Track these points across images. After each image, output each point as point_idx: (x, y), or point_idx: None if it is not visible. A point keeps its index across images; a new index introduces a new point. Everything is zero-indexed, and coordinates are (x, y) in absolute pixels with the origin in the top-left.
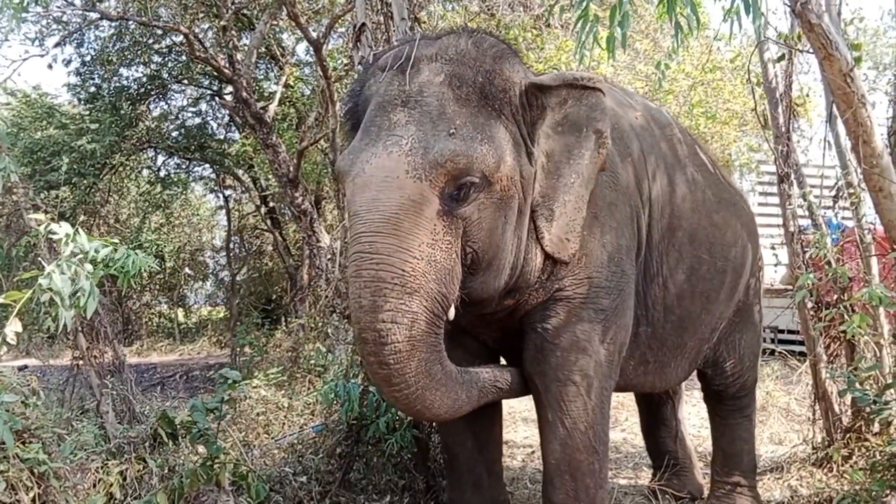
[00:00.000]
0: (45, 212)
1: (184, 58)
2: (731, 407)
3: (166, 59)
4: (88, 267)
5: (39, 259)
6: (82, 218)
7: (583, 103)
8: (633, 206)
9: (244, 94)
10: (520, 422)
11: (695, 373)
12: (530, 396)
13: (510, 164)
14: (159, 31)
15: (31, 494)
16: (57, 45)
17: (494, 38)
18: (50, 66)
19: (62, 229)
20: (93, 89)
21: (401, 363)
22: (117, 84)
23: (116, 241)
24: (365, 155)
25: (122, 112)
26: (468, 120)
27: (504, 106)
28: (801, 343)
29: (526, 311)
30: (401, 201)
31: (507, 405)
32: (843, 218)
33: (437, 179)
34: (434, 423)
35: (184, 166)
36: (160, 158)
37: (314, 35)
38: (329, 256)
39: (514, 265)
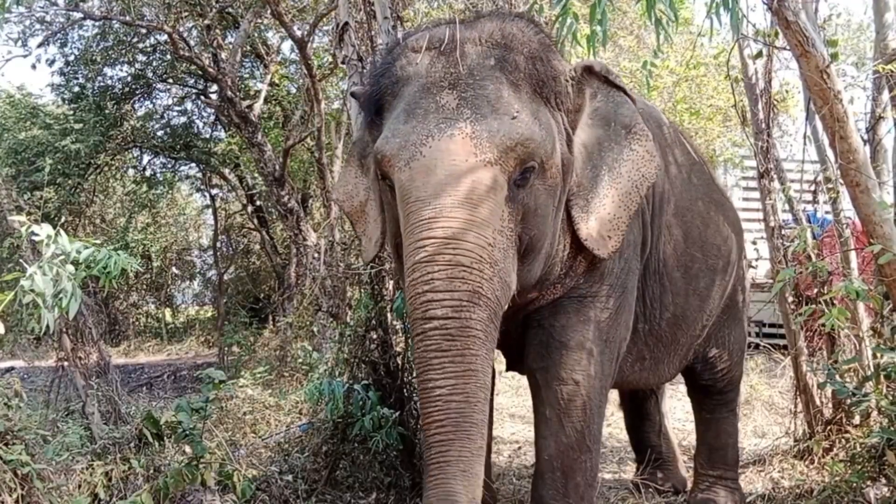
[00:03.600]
0: (29, 213)
1: (168, 57)
2: (717, 402)
3: (151, 58)
4: (70, 268)
5: (22, 261)
6: (67, 218)
7: (610, 99)
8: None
9: (229, 92)
10: (507, 418)
11: None
12: (518, 393)
13: (559, 151)
14: (143, 31)
15: (15, 496)
16: (40, 45)
17: (536, 25)
18: (33, 67)
19: (44, 231)
20: (77, 89)
21: (469, 338)
22: (101, 84)
23: (99, 241)
24: (416, 138)
25: (107, 112)
26: (525, 105)
27: (551, 93)
28: (784, 337)
29: (536, 307)
30: (473, 185)
31: (495, 401)
32: (826, 212)
33: (508, 163)
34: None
35: (169, 165)
36: (146, 158)
37: (298, 33)
38: (316, 255)
39: (549, 255)
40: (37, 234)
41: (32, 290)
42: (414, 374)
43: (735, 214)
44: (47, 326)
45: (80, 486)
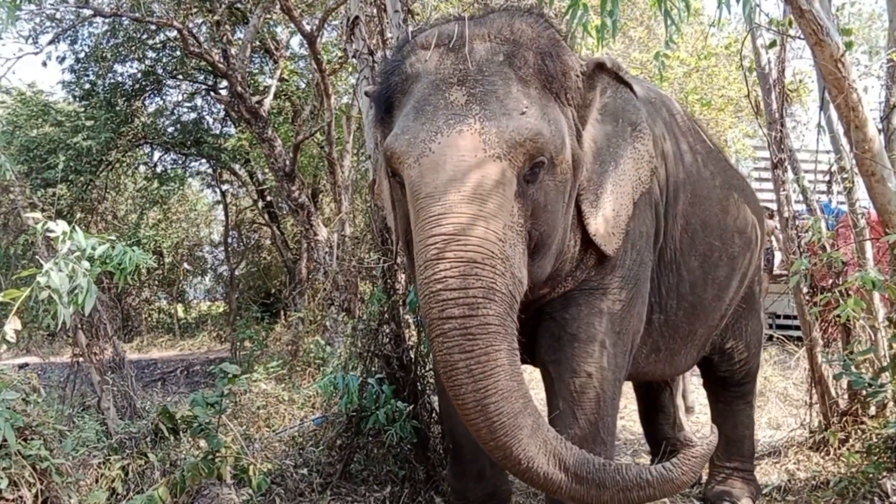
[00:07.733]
0: (42, 210)
1: (178, 53)
2: (735, 393)
3: (160, 54)
4: (86, 264)
5: (37, 257)
6: (79, 215)
7: (618, 95)
8: (651, 191)
9: (239, 88)
10: None
11: None
12: (531, 386)
13: (568, 146)
14: (153, 27)
15: (34, 490)
16: (51, 42)
17: (546, 20)
18: (44, 64)
19: (59, 227)
20: (87, 86)
21: (490, 335)
22: (112, 80)
23: (113, 237)
24: (425, 135)
25: (118, 108)
26: (534, 101)
27: (560, 89)
28: (799, 328)
29: (548, 300)
30: (482, 180)
31: None
32: (839, 203)
33: (517, 158)
34: (436, 413)
35: (180, 162)
36: (156, 154)
37: (308, 28)
38: (327, 250)
39: (560, 251)
40: (52, 231)
41: (48, 287)
42: (427, 368)
43: (756, 200)
44: (63, 322)
45: (97, 481)
